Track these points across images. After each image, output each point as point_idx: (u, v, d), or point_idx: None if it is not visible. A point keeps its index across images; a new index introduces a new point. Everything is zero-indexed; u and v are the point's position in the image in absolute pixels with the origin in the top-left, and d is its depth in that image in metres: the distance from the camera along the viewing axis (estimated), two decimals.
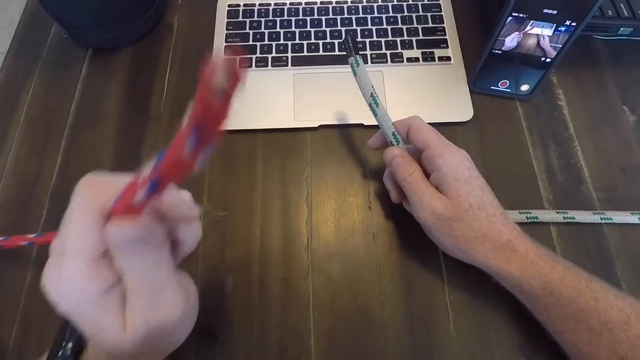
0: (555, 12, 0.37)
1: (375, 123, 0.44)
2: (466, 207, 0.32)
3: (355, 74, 0.36)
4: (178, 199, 0.22)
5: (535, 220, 0.39)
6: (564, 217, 0.39)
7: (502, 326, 0.36)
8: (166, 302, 0.21)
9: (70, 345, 0.24)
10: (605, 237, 0.40)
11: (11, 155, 0.44)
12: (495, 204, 0.33)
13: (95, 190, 0.20)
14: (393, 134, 0.36)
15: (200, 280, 0.38)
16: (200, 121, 0.14)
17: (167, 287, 0.21)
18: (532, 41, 0.40)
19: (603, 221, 0.39)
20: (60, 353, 0.24)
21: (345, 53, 0.37)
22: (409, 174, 0.34)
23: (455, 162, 0.33)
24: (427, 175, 0.35)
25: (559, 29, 0.39)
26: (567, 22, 0.38)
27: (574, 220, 0.39)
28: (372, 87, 0.36)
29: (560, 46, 0.40)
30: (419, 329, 0.36)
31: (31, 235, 0.38)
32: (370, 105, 0.37)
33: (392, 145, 0.37)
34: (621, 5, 0.43)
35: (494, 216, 0.32)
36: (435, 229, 0.33)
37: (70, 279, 0.19)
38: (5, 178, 0.43)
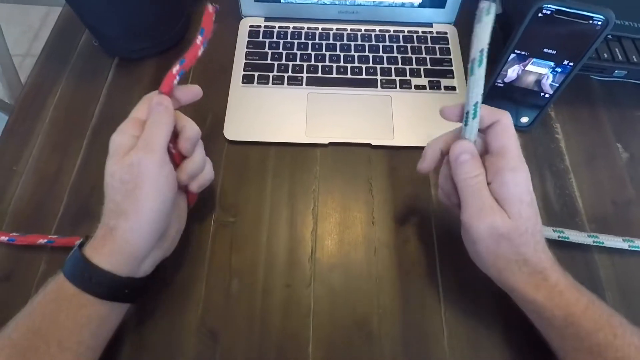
0: (554, 51, 0.40)
1: (383, 144, 0.47)
2: (522, 231, 0.31)
3: (479, 21, 0.31)
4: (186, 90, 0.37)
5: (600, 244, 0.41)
6: (558, 236, 0.41)
7: (494, 345, 0.37)
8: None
9: (78, 242, 0.33)
10: (596, 266, 0.41)
11: (34, 153, 0.47)
12: (542, 232, 0.33)
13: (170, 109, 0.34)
14: (475, 104, 0.32)
15: (207, 282, 0.39)
16: (205, 27, 0.35)
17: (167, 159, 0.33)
18: (531, 78, 0.43)
19: (595, 244, 0.41)
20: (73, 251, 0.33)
21: None
22: (473, 176, 0.32)
23: (524, 181, 0.32)
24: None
25: (556, 69, 0.42)
26: (565, 62, 0.41)
27: (568, 240, 0.41)
28: (487, 44, 0.32)
29: (557, 84, 0.43)
30: (413, 343, 0.37)
31: (53, 236, 0.40)
32: (473, 60, 0.32)
33: (466, 117, 0.32)
34: (616, 49, 0.46)
35: (539, 244, 0.32)
36: (483, 241, 0.32)
37: (153, 159, 0.32)
38: (27, 174, 0.45)
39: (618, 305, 0.39)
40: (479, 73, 0.31)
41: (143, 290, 0.35)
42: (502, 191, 0.31)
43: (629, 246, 0.41)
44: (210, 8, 0.35)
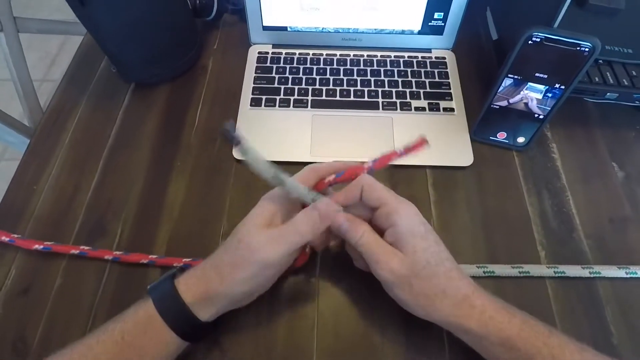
0: (546, 76, 0.43)
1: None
2: (424, 264, 0.32)
3: (246, 157, 0.34)
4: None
5: (527, 274, 0.41)
6: (554, 272, 0.41)
7: None
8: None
9: (174, 270, 0.35)
10: (596, 286, 0.42)
11: (54, 172, 0.49)
12: (450, 259, 0.34)
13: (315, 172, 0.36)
14: (312, 199, 0.35)
15: None
16: (413, 150, 0.36)
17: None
18: (525, 100, 0.45)
19: (592, 275, 0.41)
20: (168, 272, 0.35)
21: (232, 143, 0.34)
22: (359, 237, 0.34)
23: (410, 217, 0.34)
24: (381, 231, 0.35)
25: (549, 92, 0.44)
26: (557, 85, 0.43)
27: (564, 275, 0.41)
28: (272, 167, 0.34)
29: (550, 107, 0.45)
30: (416, 357, 0.38)
31: (154, 256, 0.42)
32: (275, 181, 0.34)
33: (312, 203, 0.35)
34: (607, 73, 0.48)
35: (451, 271, 0.33)
36: (395, 286, 0.33)
37: (275, 254, 0.33)
38: (47, 191, 0.48)
39: (618, 322, 0.40)
40: (292, 183, 0.34)
41: (207, 334, 0.36)
42: (394, 233, 0.33)
43: (590, 273, 0.41)
44: (425, 141, 0.36)
